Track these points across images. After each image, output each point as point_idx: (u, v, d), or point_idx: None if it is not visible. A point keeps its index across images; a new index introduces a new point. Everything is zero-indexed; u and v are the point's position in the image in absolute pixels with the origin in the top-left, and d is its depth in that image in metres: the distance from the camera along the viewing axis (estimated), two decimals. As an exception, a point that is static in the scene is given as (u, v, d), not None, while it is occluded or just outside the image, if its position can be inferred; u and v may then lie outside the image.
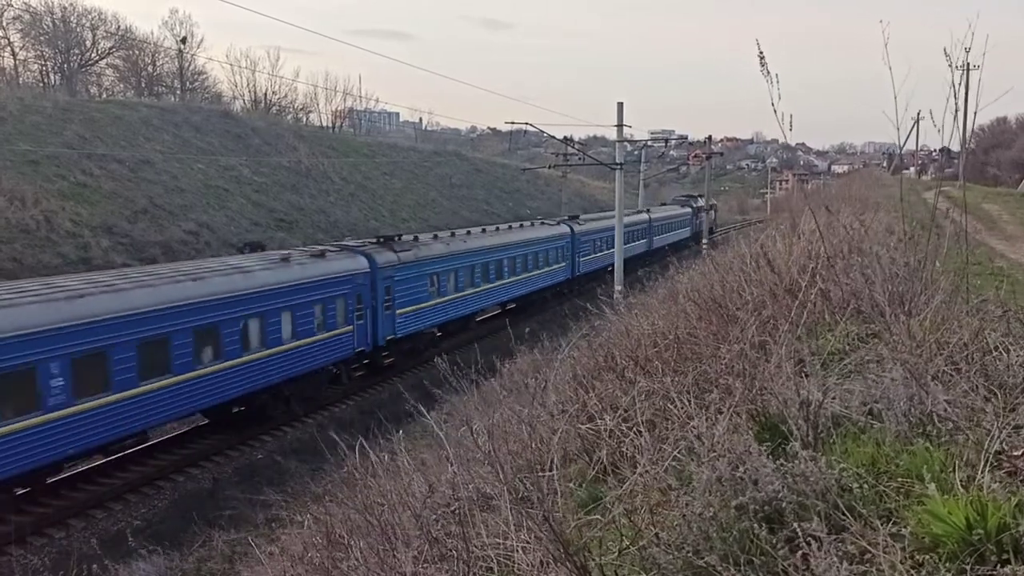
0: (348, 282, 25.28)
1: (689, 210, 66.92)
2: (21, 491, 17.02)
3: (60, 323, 16.11)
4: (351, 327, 25.48)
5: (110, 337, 17.22)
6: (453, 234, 34.09)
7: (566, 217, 47.34)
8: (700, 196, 69.00)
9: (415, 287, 28.90)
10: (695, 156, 63.34)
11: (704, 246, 45.97)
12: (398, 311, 27.90)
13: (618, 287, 29.27)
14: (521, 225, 42.09)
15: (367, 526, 5.55)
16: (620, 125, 33.57)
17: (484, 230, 37.95)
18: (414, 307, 28.86)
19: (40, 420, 15.71)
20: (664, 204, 71.68)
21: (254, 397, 22.41)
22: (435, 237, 32.37)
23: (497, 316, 37.33)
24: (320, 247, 27.21)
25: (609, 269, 38.51)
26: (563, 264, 42.76)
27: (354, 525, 5.89)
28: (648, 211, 59.46)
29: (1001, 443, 3.25)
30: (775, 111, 5.81)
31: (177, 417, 20.82)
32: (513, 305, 38.84)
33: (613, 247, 36.32)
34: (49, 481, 17.90)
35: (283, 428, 24.08)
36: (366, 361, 27.55)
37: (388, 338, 27.50)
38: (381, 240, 28.91)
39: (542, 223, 44.00)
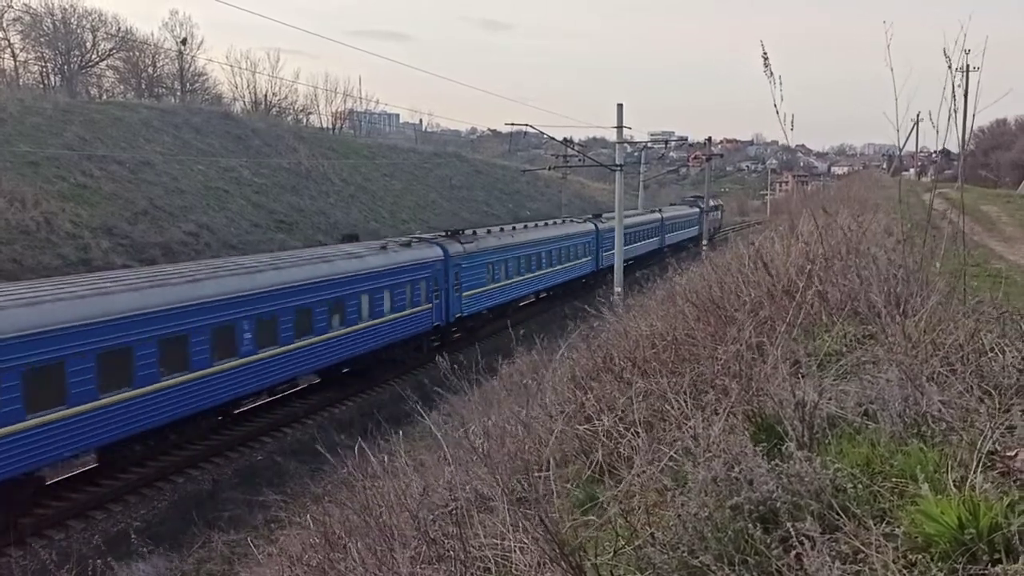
0: (429, 267, 30.49)
1: (697, 210, 69.95)
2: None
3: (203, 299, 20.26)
4: (431, 305, 30.56)
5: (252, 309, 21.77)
6: (502, 229, 38.77)
7: (591, 215, 51.49)
8: (713, 196, 76.56)
9: (477, 273, 33.79)
10: (695, 157, 63.80)
11: (704, 247, 46.15)
12: (464, 293, 32.75)
13: (617, 288, 29.25)
14: (554, 222, 46.57)
15: (365, 527, 5.57)
16: (620, 127, 33.60)
17: (526, 226, 42.18)
18: (476, 290, 33.78)
19: (188, 377, 19.63)
20: (673, 204, 75.27)
21: (360, 360, 26.97)
22: (488, 232, 36.94)
23: (532, 304, 41.98)
24: (406, 238, 32.49)
25: (629, 261, 42.37)
26: (589, 258, 46.90)
27: (352, 526, 5.90)
28: (661, 211, 64.10)
29: (994, 443, 3.27)
30: (777, 111, 5.84)
31: (311, 371, 25.81)
32: (546, 294, 42.62)
33: (636, 242, 47.49)
34: (49, 482, 18.13)
35: (283, 429, 24.12)
36: (437, 337, 31.93)
37: (456, 316, 32.17)
38: (450, 233, 33.78)
39: (572, 221, 48.34)
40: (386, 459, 6.96)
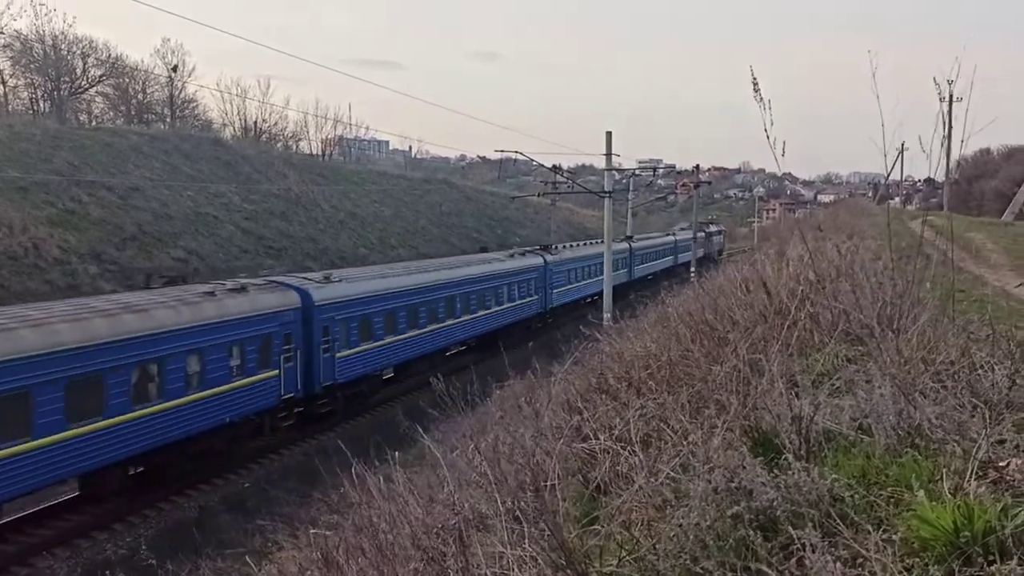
0: (535, 271, 41.58)
1: (703, 234, 79.01)
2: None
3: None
4: (537, 297, 41.67)
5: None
6: (567, 246, 50.07)
7: (623, 237, 60.67)
8: (712, 223, 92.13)
9: (564, 279, 45.15)
10: (683, 185, 64.92)
11: (692, 274, 46.53)
12: (554, 291, 43.72)
13: (606, 314, 29.28)
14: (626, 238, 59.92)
15: (364, 547, 5.58)
16: (609, 154, 33.92)
17: (578, 244, 53.23)
18: (564, 288, 45.26)
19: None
20: (683, 228, 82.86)
21: (493, 333, 35.23)
22: (563, 247, 48.61)
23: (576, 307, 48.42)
24: (511, 250, 43.68)
25: (649, 276, 57.51)
26: (623, 270, 55.58)
27: (351, 546, 5.91)
28: (674, 234, 74.79)
29: (987, 453, 3.36)
30: (768, 136, 5.95)
31: (470, 338, 35.59)
32: (591, 299, 48.78)
33: (653, 260, 63.01)
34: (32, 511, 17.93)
35: (270, 456, 23.96)
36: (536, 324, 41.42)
37: (550, 307, 43.17)
38: (543, 247, 45.42)
39: (639, 237, 63.01)
40: (382, 480, 6.98)
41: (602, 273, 46.38)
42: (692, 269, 53.09)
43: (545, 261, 42.64)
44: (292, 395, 23.69)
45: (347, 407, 26.34)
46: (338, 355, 25.39)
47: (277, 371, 22.87)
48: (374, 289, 28.00)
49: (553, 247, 46.40)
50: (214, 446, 21.28)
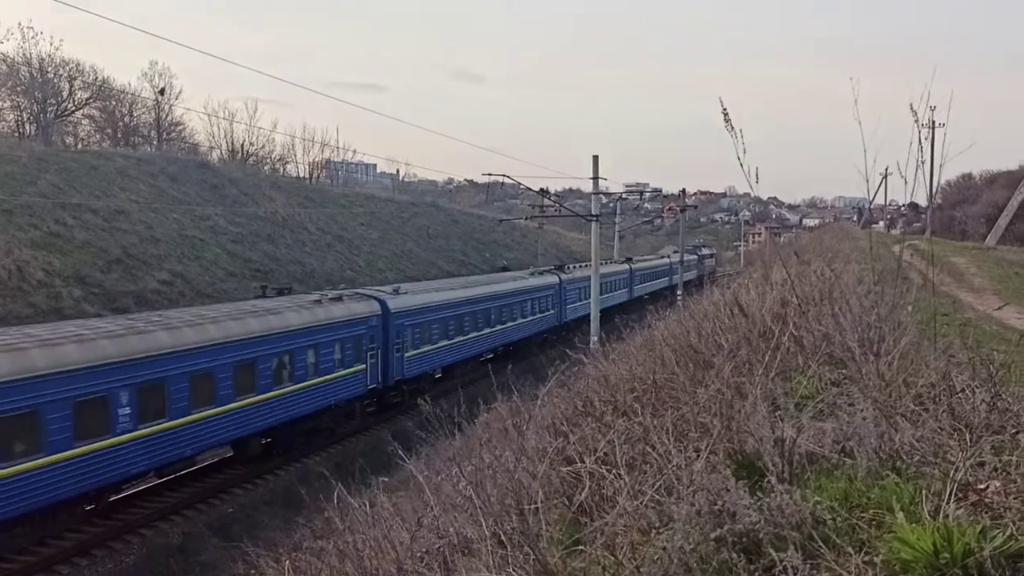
0: (552, 288, 46.08)
1: (696, 256, 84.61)
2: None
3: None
4: (555, 311, 46.09)
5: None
6: (577, 266, 53.56)
7: (623, 259, 65.32)
8: (705, 246, 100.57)
9: (575, 295, 48.48)
10: (669, 209, 65.79)
11: (679, 296, 46.87)
12: (568, 306, 47.64)
13: (594, 337, 29.32)
14: (608, 261, 60.92)
15: (349, 572, 5.54)
16: (596, 178, 34.14)
17: (587, 265, 56.37)
18: (575, 304, 48.42)
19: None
20: (675, 251, 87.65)
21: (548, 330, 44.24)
22: (572, 267, 52.87)
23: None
24: (536, 269, 49.45)
25: (646, 296, 59.05)
26: (623, 290, 60.42)
27: (335, 571, 5.87)
28: (669, 256, 77.20)
29: (966, 474, 3.39)
30: (741, 164, 6.03)
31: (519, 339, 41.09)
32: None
33: (650, 281, 66.63)
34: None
35: (255, 481, 23.77)
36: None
37: (564, 321, 46.58)
38: (558, 267, 50.55)
39: (614, 261, 64.14)
40: (367, 505, 6.94)
41: (612, 290, 55.45)
42: (679, 292, 53.38)
43: (560, 280, 47.41)
44: (375, 386, 28.29)
45: (409, 399, 29.29)
46: (406, 355, 30.14)
47: (365, 365, 27.48)
48: (432, 301, 32.81)
49: (567, 267, 52.11)
50: (321, 425, 26.04)
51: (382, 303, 28.97)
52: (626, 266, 62.59)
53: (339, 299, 27.46)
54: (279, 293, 28.03)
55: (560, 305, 47.07)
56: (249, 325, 22.37)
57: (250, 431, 22.42)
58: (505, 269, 50.79)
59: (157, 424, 18.98)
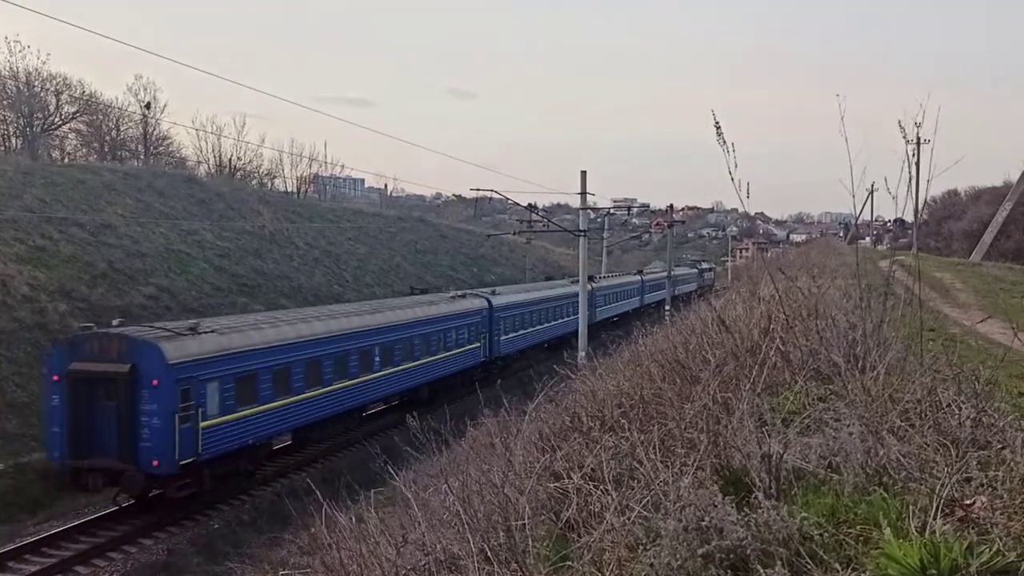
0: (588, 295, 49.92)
1: (696, 270, 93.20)
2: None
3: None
4: (588, 313, 47.14)
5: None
6: (602, 277, 63.51)
7: (635, 272, 73.99)
8: (704, 260, 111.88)
9: (605, 300, 58.51)
10: (657, 224, 66.02)
11: (667, 311, 47.09)
12: (598, 308, 54.64)
13: (581, 352, 29.32)
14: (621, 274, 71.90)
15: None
16: (584, 193, 34.24)
17: (613, 275, 68.45)
18: (607, 307, 58.79)
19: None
20: (678, 265, 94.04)
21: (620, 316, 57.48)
22: (601, 277, 62.30)
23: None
24: (569, 278, 58.21)
25: (653, 305, 66.79)
26: (636, 298, 69.07)
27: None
28: (671, 269, 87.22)
29: (952, 490, 3.39)
30: (732, 179, 6.05)
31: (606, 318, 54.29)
32: (620, 317, 60.83)
33: (654, 291, 70.12)
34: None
35: (240, 496, 23.59)
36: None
37: (596, 321, 50.51)
38: (591, 278, 50.60)
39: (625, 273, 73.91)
40: (353, 520, 6.89)
41: (628, 298, 65.86)
42: (667, 307, 53.60)
43: (593, 288, 53.12)
44: (484, 359, 39.11)
45: (503, 370, 39.52)
46: (501, 338, 41.04)
47: (479, 344, 38.56)
48: (518, 300, 44.16)
49: (597, 277, 60.41)
50: (453, 383, 35.46)
51: (488, 300, 40.15)
52: (638, 277, 72.09)
53: (463, 296, 39.42)
54: (420, 292, 41.49)
55: (593, 308, 52.62)
56: (417, 312, 33.32)
57: (416, 384, 32.93)
58: (550, 278, 62.97)
59: (365, 376, 28.43)
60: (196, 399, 20.33)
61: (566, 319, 49.84)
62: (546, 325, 47.87)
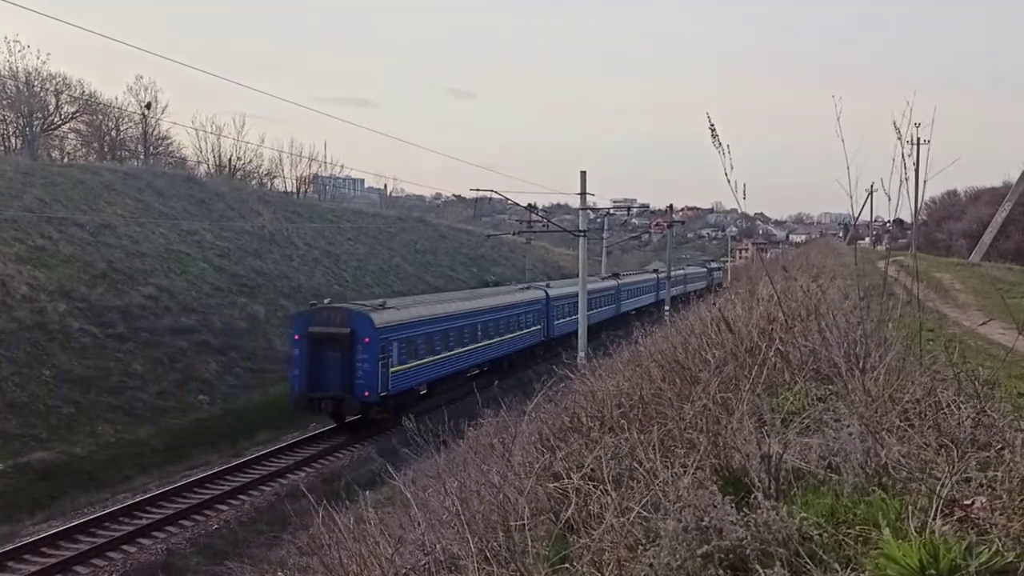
0: (614, 290, 62.41)
1: (705, 269, 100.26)
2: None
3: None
4: (613, 307, 60.54)
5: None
6: (628, 273, 71.36)
7: (653, 269, 79.49)
8: (713, 260, 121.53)
9: (629, 295, 66.18)
10: (657, 224, 66.09)
11: (666, 311, 47.21)
12: (623, 302, 63.74)
13: (581, 352, 29.35)
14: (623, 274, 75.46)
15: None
16: (583, 193, 34.26)
17: (634, 272, 77.36)
18: (630, 300, 66.20)
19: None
20: (690, 265, 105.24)
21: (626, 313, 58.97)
22: (626, 274, 69.67)
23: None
24: (608, 274, 66.44)
25: (639, 309, 67.97)
26: (653, 293, 73.97)
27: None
28: (684, 268, 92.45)
29: (952, 490, 3.39)
30: (728, 180, 6.05)
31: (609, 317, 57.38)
32: (638, 311, 64.62)
33: (678, 285, 71.04)
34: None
35: (239, 496, 23.62)
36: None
37: (617, 314, 58.67)
38: (616, 274, 66.06)
39: (634, 272, 79.70)
40: (352, 520, 6.89)
41: (647, 293, 72.03)
42: (666, 307, 53.67)
43: (618, 285, 63.57)
44: (543, 339, 46.55)
45: (557, 347, 44.97)
46: (556, 322, 48.81)
47: (539, 326, 46.45)
48: (567, 292, 49.58)
49: (621, 274, 67.67)
50: (522, 357, 43.01)
51: (545, 292, 48.57)
52: (654, 275, 77.75)
53: (528, 288, 48.57)
54: (495, 284, 53.05)
55: (618, 302, 63.76)
56: (502, 299, 42.35)
57: (501, 355, 40.57)
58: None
59: (471, 346, 37.08)
60: (387, 352, 29.58)
61: (603, 308, 58.94)
62: (589, 312, 55.94)
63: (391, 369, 29.74)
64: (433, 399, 33.00)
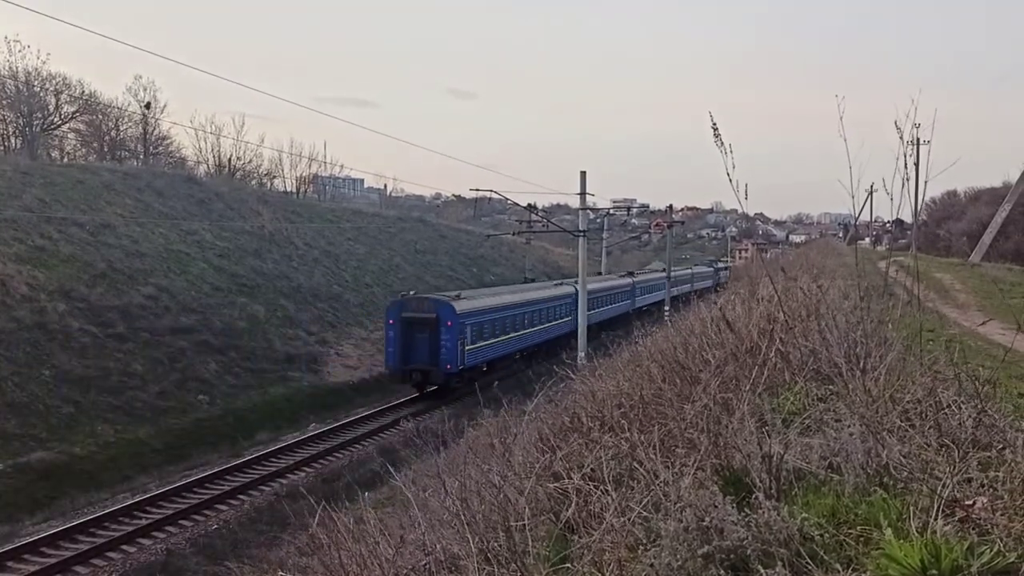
0: (629, 286, 67.25)
1: (712, 269, 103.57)
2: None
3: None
4: (629, 302, 65.21)
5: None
6: (639, 272, 75.46)
7: (661, 268, 78.75)
8: (719, 260, 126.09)
9: (644, 291, 70.39)
10: (657, 224, 66.27)
11: (666, 311, 47.35)
12: (637, 298, 67.87)
13: (581, 353, 29.36)
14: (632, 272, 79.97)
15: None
16: (583, 193, 34.27)
17: (648, 270, 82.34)
18: (644, 296, 70.43)
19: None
20: (697, 264, 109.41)
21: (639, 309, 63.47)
22: (631, 273, 72.34)
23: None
24: (625, 271, 71.82)
25: (659, 302, 71.03)
26: (662, 291, 75.21)
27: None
28: (692, 268, 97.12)
29: (953, 490, 3.39)
30: (730, 180, 6.04)
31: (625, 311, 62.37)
32: (650, 307, 70.07)
33: (681, 285, 74.83)
34: None
35: (239, 496, 23.62)
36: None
37: (632, 309, 62.56)
38: (631, 273, 71.04)
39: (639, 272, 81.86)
40: (352, 520, 6.88)
41: (659, 290, 71.21)
42: (666, 307, 53.71)
43: (634, 283, 68.62)
44: (572, 329, 44.81)
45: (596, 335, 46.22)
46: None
47: (570, 318, 48.32)
48: (594, 287, 51.72)
49: (634, 272, 73.16)
50: (556, 345, 45.77)
51: (575, 288, 48.99)
52: (663, 273, 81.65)
53: (561, 284, 53.61)
54: (530, 281, 56.58)
55: (632, 298, 67.92)
56: (543, 293, 49.22)
57: (542, 340, 46.58)
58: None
59: (521, 331, 43.67)
60: (463, 334, 36.61)
61: (621, 303, 64.67)
62: (609, 307, 62.28)
63: (466, 347, 36.92)
64: (492, 375, 38.10)
